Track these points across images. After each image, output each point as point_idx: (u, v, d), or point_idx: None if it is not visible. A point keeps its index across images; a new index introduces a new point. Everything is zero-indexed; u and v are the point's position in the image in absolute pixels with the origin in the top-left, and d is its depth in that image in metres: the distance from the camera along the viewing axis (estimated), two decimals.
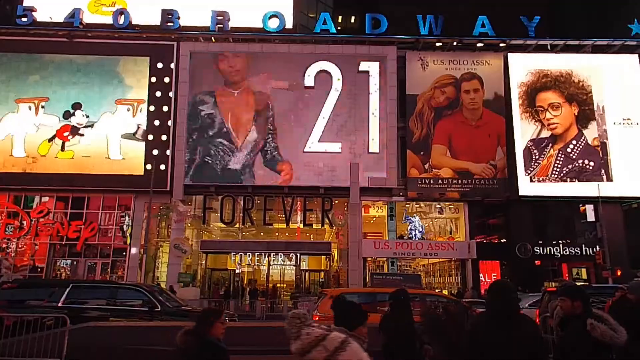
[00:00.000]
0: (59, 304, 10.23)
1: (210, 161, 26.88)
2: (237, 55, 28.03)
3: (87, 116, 27.34)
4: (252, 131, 27.20)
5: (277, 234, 29.51)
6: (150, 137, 27.10)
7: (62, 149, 26.92)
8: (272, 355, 6.60)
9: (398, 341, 5.06)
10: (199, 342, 3.83)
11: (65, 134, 27.02)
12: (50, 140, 27.01)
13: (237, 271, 27.95)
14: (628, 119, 27.72)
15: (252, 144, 27.05)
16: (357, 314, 3.62)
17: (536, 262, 26.68)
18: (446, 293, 23.09)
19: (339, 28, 31.55)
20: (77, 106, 27.34)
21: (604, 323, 3.79)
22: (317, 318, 10.90)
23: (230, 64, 27.90)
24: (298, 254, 27.10)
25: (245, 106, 27.53)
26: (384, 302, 10.13)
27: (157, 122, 27.30)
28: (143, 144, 26.98)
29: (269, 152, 27.08)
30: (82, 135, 27.09)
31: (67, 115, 27.26)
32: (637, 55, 28.69)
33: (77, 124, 27.27)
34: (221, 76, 27.78)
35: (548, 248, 26.79)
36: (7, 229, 26.77)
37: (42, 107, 27.37)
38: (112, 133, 27.16)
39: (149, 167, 25.82)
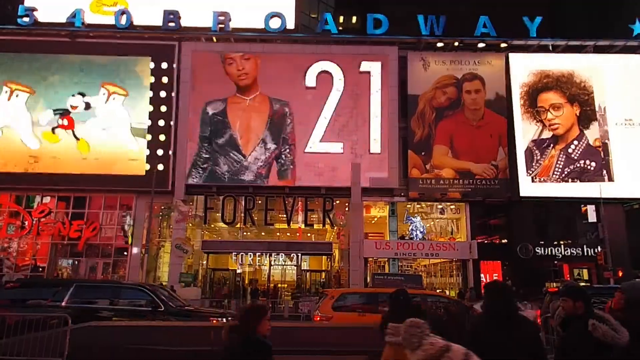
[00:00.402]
0: (63, 304, 10.22)
1: (219, 171, 26.89)
2: (245, 57, 28.01)
3: (83, 95, 27.53)
4: (266, 140, 27.20)
5: (278, 234, 29.54)
6: (151, 137, 27.17)
7: (76, 138, 27.04)
8: (274, 354, 6.62)
9: None
10: (244, 339, 3.77)
11: (65, 122, 27.19)
12: (54, 130, 27.13)
13: (239, 271, 27.98)
14: (630, 120, 27.69)
15: (265, 154, 27.03)
16: (414, 310, 3.67)
17: (536, 263, 26.62)
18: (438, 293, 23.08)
19: (340, 28, 31.62)
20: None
21: (606, 323, 3.80)
22: (318, 318, 10.92)
23: (238, 67, 27.90)
24: (299, 254, 27.12)
25: (258, 113, 27.54)
26: (385, 302, 10.15)
27: (158, 122, 27.34)
28: (145, 143, 27.00)
29: (285, 164, 27.06)
30: (83, 121, 27.25)
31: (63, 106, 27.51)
32: (639, 56, 28.66)
33: (71, 106, 27.43)
34: (231, 81, 27.73)
35: (549, 249, 26.77)
36: (8, 229, 26.82)
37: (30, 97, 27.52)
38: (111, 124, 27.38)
39: (150, 167, 25.82)
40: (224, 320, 10.55)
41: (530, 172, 27.10)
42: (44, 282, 16.84)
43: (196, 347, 6.70)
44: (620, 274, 23.32)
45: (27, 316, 8.49)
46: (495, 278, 25.59)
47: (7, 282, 13.05)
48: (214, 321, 10.37)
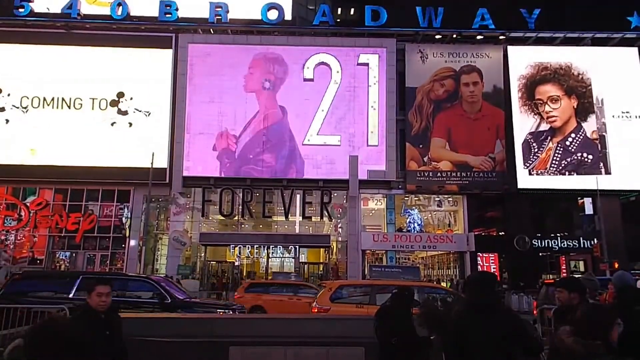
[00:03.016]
0: (70, 296, 10.19)
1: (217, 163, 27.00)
2: (241, 49, 27.95)
3: None
4: (264, 133, 27.33)
5: (276, 226, 29.59)
6: (149, 129, 27.08)
7: None
8: (274, 345, 6.67)
9: (395, 334, 5.11)
10: None
11: None
12: None
13: (237, 263, 28.04)
14: (627, 112, 27.73)
15: (262, 147, 27.21)
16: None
17: (533, 255, 26.73)
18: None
19: (338, 20, 31.42)
20: None
21: None
22: (315, 310, 10.97)
23: (236, 59, 27.80)
24: (297, 247, 27.17)
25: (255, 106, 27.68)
26: (382, 294, 10.20)
27: (156, 114, 27.27)
28: (142, 137, 26.92)
29: (283, 156, 27.25)
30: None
31: None
32: (636, 48, 28.66)
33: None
34: (227, 74, 27.70)
35: (546, 241, 26.90)
36: (5, 221, 26.78)
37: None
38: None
39: (148, 159, 25.74)
40: (230, 312, 10.54)
41: (528, 165, 27.16)
42: (51, 274, 16.78)
43: (202, 339, 6.75)
44: (616, 265, 23.43)
45: (33, 308, 8.48)
46: (493, 270, 25.71)
47: (14, 274, 12.97)
48: (220, 313, 10.38)
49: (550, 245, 26.87)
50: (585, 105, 27.78)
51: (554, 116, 27.64)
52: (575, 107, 27.74)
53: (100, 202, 27.13)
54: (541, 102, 27.80)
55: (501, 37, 28.72)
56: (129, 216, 26.85)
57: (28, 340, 2.48)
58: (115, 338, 4.24)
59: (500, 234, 28.53)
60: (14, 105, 27.30)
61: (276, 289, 17.12)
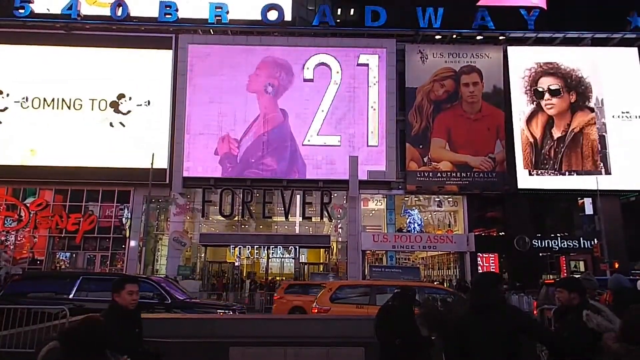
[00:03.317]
0: (70, 296, 10.20)
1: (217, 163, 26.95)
2: (241, 49, 27.98)
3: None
4: (263, 133, 27.39)
5: (276, 227, 29.59)
6: (150, 129, 27.07)
7: None
8: (274, 346, 6.68)
9: (398, 334, 5.11)
10: None
11: None
12: None
13: (237, 264, 28.05)
14: (627, 113, 27.72)
15: (261, 148, 27.25)
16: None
17: (533, 255, 26.72)
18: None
19: (338, 21, 31.45)
20: None
21: (600, 314, 3.83)
22: (315, 310, 10.98)
23: (236, 59, 27.80)
24: (297, 247, 27.18)
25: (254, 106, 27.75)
26: (382, 294, 10.21)
27: (156, 115, 27.26)
28: (142, 137, 26.91)
29: (283, 157, 27.22)
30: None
31: None
32: (636, 49, 28.65)
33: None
34: (227, 74, 27.68)
35: (546, 241, 26.88)
36: (5, 222, 26.78)
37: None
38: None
39: (148, 159, 25.75)
40: (230, 312, 10.57)
41: (528, 165, 27.15)
42: (51, 275, 16.78)
43: (202, 339, 6.75)
44: (617, 265, 23.40)
45: (33, 309, 8.49)
46: (493, 271, 25.68)
47: (14, 275, 13.00)
48: (221, 313, 10.39)
49: (550, 245, 26.84)
50: (584, 105, 27.67)
51: (553, 116, 27.62)
52: (574, 107, 27.70)
53: (101, 203, 27.13)
54: (540, 102, 27.78)
55: (501, 38, 28.72)
56: (129, 217, 26.85)
57: (64, 342, 2.47)
58: (142, 335, 4.42)
59: (500, 234, 28.51)
60: (15, 101, 27.27)
61: (314, 290, 17.15)
